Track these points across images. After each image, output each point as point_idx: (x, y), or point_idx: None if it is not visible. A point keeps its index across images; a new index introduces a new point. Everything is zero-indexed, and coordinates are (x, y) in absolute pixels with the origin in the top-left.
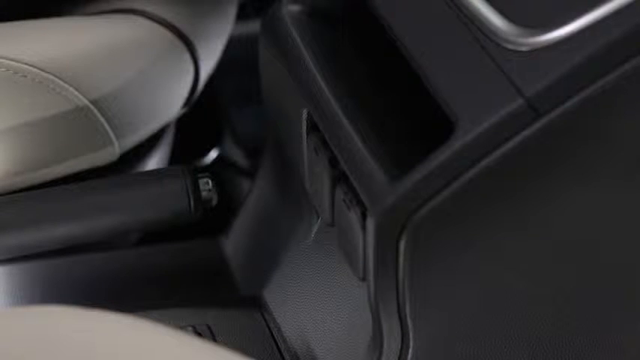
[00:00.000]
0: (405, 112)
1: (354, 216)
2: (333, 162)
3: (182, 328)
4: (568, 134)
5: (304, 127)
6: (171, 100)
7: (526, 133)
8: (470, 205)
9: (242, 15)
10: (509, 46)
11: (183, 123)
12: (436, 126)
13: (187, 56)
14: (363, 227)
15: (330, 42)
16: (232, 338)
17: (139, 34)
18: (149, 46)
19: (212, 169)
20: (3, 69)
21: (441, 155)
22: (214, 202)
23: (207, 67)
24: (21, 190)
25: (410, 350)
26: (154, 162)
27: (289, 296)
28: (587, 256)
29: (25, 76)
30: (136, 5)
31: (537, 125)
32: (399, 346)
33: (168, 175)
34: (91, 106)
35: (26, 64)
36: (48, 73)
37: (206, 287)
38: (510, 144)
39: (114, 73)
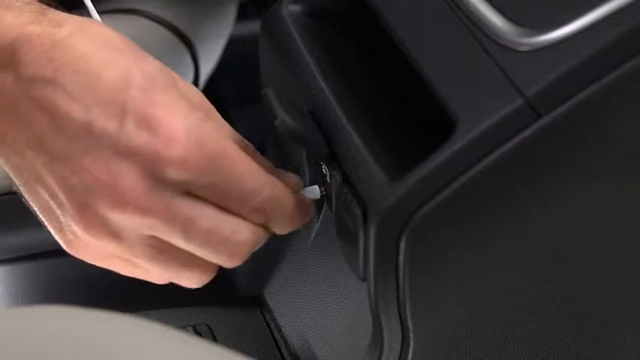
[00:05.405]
0: (405, 112)
1: (354, 216)
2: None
3: (182, 328)
4: (568, 134)
5: None
6: None
7: (526, 133)
8: (470, 205)
9: (242, 15)
10: (510, 46)
11: None
12: (436, 126)
13: (187, 56)
14: (363, 227)
15: (330, 42)
16: (232, 338)
17: (139, 34)
18: (149, 46)
19: None
20: None
21: (441, 155)
22: None
23: (207, 67)
24: None
25: (410, 350)
26: None
27: (289, 296)
28: (587, 256)
29: None
30: (136, 5)
31: (537, 125)
32: (400, 346)
33: None
34: None
35: None
36: None
37: (206, 287)
38: (510, 144)
39: None
